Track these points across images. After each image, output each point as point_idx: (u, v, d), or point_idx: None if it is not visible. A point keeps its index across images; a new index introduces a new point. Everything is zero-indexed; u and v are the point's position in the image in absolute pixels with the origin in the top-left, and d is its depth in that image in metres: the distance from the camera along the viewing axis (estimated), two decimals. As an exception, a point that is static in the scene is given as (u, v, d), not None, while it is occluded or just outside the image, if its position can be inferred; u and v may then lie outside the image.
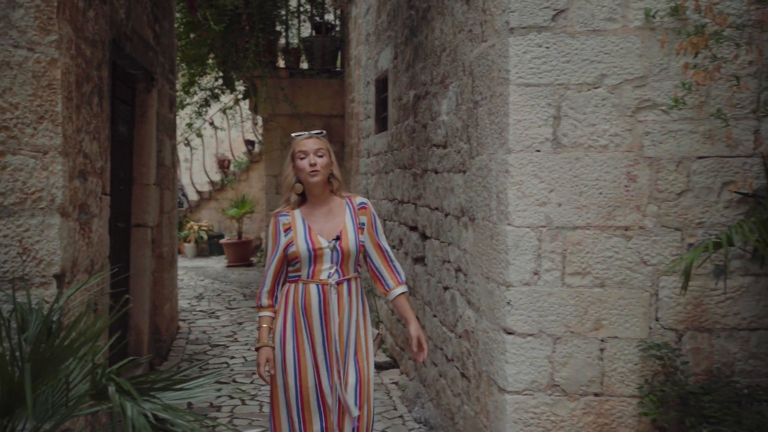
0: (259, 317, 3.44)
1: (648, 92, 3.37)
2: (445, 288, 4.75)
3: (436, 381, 5.01)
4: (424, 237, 5.43)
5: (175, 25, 8.48)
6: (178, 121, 8.66)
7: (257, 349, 3.37)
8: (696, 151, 3.39)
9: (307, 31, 12.44)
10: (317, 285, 3.33)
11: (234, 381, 6.17)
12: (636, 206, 3.40)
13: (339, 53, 12.00)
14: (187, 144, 14.44)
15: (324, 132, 3.52)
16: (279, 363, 3.36)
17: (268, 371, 3.34)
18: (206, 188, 15.35)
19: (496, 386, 3.58)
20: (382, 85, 7.65)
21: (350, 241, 3.36)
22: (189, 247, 14.28)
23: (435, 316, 5.08)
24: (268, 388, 5.90)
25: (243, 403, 5.64)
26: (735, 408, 3.18)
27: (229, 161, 15.32)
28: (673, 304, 3.41)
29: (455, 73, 4.41)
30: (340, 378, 3.32)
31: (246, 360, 6.87)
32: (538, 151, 3.40)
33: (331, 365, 3.32)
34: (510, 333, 3.44)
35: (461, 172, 4.29)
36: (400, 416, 5.36)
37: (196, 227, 14.33)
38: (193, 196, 15.27)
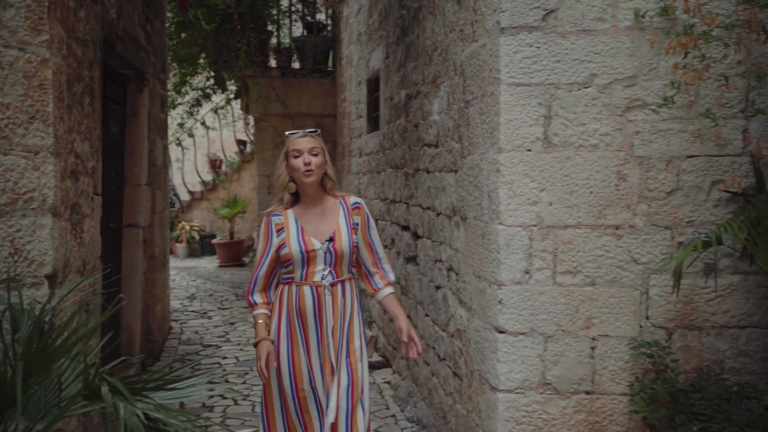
0: (254, 315, 3.37)
1: (638, 92, 3.39)
2: (437, 287, 4.77)
3: (429, 380, 5.03)
4: (416, 236, 5.44)
5: (167, 25, 8.47)
6: (169, 121, 8.67)
7: (256, 345, 3.28)
8: (685, 151, 3.41)
9: (298, 30, 12.44)
10: (311, 287, 3.28)
11: (226, 381, 6.17)
12: (626, 205, 3.42)
13: (330, 53, 12.01)
14: (179, 144, 14.41)
15: (318, 130, 3.46)
16: (273, 368, 3.29)
17: (273, 366, 3.25)
18: (198, 188, 15.32)
19: (488, 385, 3.59)
20: (373, 84, 7.66)
21: (344, 242, 3.31)
22: (181, 248, 14.25)
23: (427, 315, 5.10)
24: (260, 388, 5.92)
25: (235, 403, 5.64)
26: (725, 405, 3.21)
27: (221, 161, 15.30)
28: (663, 302, 3.44)
29: (446, 73, 4.43)
30: (332, 380, 3.27)
31: (238, 360, 6.87)
32: (529, 150, 3.41)
33: (324, 367, 3.28)
34: (502, 332, 3.45)
35: (453, 171, 4.30)
36: (393, 415, 5.37)
37: (187, 227, 14.30)
38: (184, 197, 15.24)
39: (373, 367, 6.47)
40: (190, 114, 11.72)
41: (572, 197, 3.42)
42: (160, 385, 2.59)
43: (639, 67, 3.39)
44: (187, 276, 11.93)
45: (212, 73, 11.44)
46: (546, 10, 3.39)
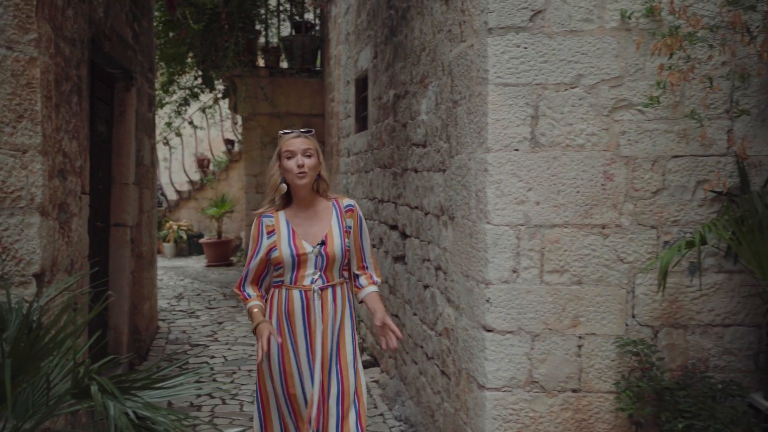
0: (249, 307, 3.27)
1: (624, 92, 3.42)
2: (425, 286, 4.79)
3: (417, 379, 5.05)
4: (404, 236, 5.46)
5: (154, 24, 8.44)
6: (157, 120, 8.63)
7: (255, 330, 3.16)
8: (671, 151, 3.44)
9: (286, 30, 12.43)
10: (300, 291, 3.21)
11: (214, 380, 6.17)
12: (613, 205, 3.45)
13: (319, 52, 12.00)
14: (166, 143, 14.37)
15: (312, 130, 3.39)
16: (266, 370, 3.26)
17: (278, 341, 3.12)
18: (185, 188, 15.28)
19: (476, 383, 3.61)
20: (362, 84, 7.68)
21: (336, 246, 3.24)
22: (168, 247, 14.21)
23: (415, 314, 5.11)
24: (248, 387, 5.94)
25: (223, 402, 5.64)
26: (709, 403, 3.24)
27: (209, 160, 15.26)
28: (649, 301, 3.47)
29: (435, 73, 4.45)
30: (322, 386, 3.21)
31: (226, 359, 6.87)
32: (517, 150, 3.44)
33: (314, 372, 3.20)
34: (489, 330, 3.47)
35: (441, 171, 4.32)
36: (381, 414, 5.39)
37: (175, 227, 14.26)
38: (172, 196, 15.19)
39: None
40: (178, 113, 11.70)
41: (559, 197, 3.44)
42: (148, 384, 2.59)
43: (625, 68, 3.42)
44: (174, 275, 11.90)
45: (200, 73, 11.41)
46: (533, 10, 3.41)
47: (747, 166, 3.41)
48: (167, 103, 11.60)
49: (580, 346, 3.47)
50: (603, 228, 3.46)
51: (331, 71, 10.41)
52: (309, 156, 3.25)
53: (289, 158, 3.25)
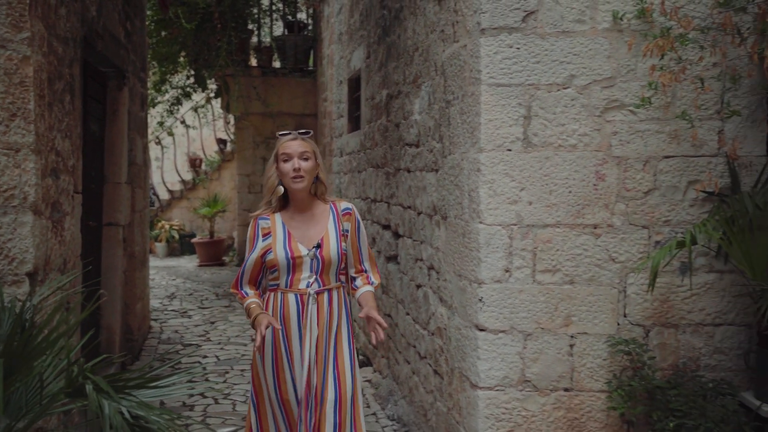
0: (246, 304, 3.23)
1: (616, 93, 3.44)
2: (418, 286, 4.80)
3: (409, 378, 5.06)
4: (397, 235, 5.47)
5: (146, 23, 8.43)
6: (149, 119, 8.64)
7: (253, 324, 3.11)
8: (662, 151, 3.46)
9: (279, 29, 12.43)
10: (296, 295, 3.17)
11: (207, 380, 6.16)
12: (604, 205, 3.47)
13: (311, 52, 12.01)
14: (158, 143, 14.34)
15: (311, 132, 3.33)
16: (260, 374, 3.23)
17: (278, 328, 3.08)
18: (178, 187, 15.26)
19: (469, 382, 3.62)
20: (355, 84, 7.68)
21: (332, 249, 3.20)
22: (160, 247, 14.18)
23: (408, 313, 5.12)
24: (241, 386, 5.95)
25: (216, 402, 5.63)
26: (700, 401, 3.26)
27: (201, 160, 15.24)
28: (640, 300, 3.49)
29: (427, 73, 4.46)
30: (317, 393, 3.16)
31: (219, 359, 6.86)
32: (509, 150, 3.45)
33: (309, 379, 3.15)
34: (482, 330, 3.49)
35: (434, 170, 4.33)
36: (374, 414, 5.40)
37: (167, 226, 14.24)
38: (164, 195, 15.17)
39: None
40: (170, 113, 11.68)
41: (551, 197, 3.46)
42: (142, 383, 2.60)
43: (617, 69, 3.44)
44: (166, 275, 11.88)
45: (192, 72, 11.41)
46: (526, 11, 3.43)
47: (737, 166, 3.44)
48: (159, 102, 11.59)
49: (572, 346, 3.49)
50: (595, 228, 3.47)
51: (324, 71, 10.42)
52: (306, 159, 3.20)
53: (285, 161, 3.20)
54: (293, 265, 3.17)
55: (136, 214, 6.87)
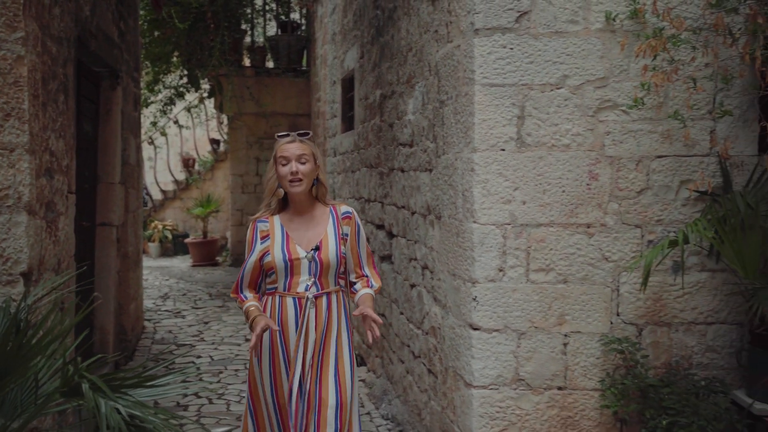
0: (246, 307, 3.19)
1: (609, 93, 3.46)
2: (412, 285, 4.81)
3: (403, 378, 5.07)
4: (391, 235, 5.48)
5: (140, 23, 8.42)
6: (142, 119, 8.62)
7: (251, 326, 3.09)
8: (655, 151, 3.48)
9: (272, 29, 12.42)
10: (294, 298, 3.13)
11: (201, 380, 6.16)
12: (597, 204, 3.49)
13: (305, 52, 12.01)
14: (151, 143, 14.32)
15: (310, 133, 3.30)
16: (258, 380, 3.20)
17: (275, 329, 3.07)
18: (171, 187, 15.22)
19: (463, 381, 3.64)
20: (348, 84, 7.69)
21: (330, 252, 3.16)
22: (153, 247, 14.16)
23: (402, 313, 5.14)
24: (235, 386, 5.95)
25: (210, 402, 5.63)
26: (693, 399, 3.28)
27: (194, 160, 15.21)
28: (633, 299, 3.51)
29: (421, 73, 4.47)
30: (310, 397, 3.12)
31: (212, 359, 6.86)
32: (503, 150, 3.47)
33: (303, 382, 3.12)
34: (476, 329, 3.50)
35: (427, 170, 4.35)
36: (368, 413, 5.41)
37: (160, 227, 14.22)
38: (157, 196, 15.14)
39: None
40: (163, 112, 11.66)
41: (545, 196, 3.48)
42: (138, 382, 2.60)
43: (610, 69, 3.46)
44: (159, 275, 11.86)
45: (185, 72, 11.39)
46: (519, 11, 3.44)
47: (729, 166, 3.46)
48: (152, 102, 11.57)
49: (565, 344, 3.51)
50: (588, 227, 3.49)
51: (318, 71, 10.42)
52: (304, 162, 3.16)
53: (283, 165, 3.16)
54: (291, 267, 3.13)
55: (129, 214, 6.86)
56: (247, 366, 6.42)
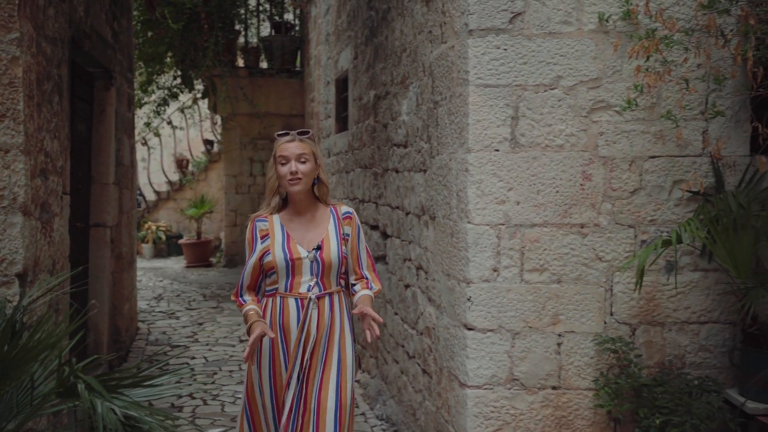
0: (245, 311, 3.13)
1: (602, 93, 3.48)
2: (407, 286, 4.82)
3: (398, 378, 5.08)
4: (385, 236, 5.49)
5: (133, 23, 8.41)
6: (135, 120, 8.60)
7: (248, 331, 3.04)
8: (648, 151, 3.51)
9: (266, 30, 12.43)
10: (296, 299, 3.07)
11: (195, 381, 6.16)
12: (591, 204, 3.50)
13: (299, 53, 12.02)
14: (145, 143, 14.29)
15: (310, 132, 3.23)
16: (256, 383, 3.14)
17: (271, 336, 3.00)
18: (164, 188, 15.20)
19: (457, 381, 3.65)
20: (342, 84, 7.70)
21: (332, 251, 3.11)
22: (147, 248, 14.13)
23: (396, 313, 5.15)
24: (229, 387, 5.95)
25: (204, 403, 5.63)
26: (686, 398, 3.30)
27: (188, 161, 15.19)
28: (626, 299, 3.53)
29: (415, 74, 4.48)
30: (308, 399, 3.06)
31: (207, 360, 6.86)
32: (497, 150, 3.48)
33: (304, 386, 3.07)
34: (470, 329, 3.52)
35: (422, 171, 4.36)
36: (362, 413, 5.41)
37: (154, 227, 14.19)
38: (150, 196, 15.11)
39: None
40: (157, 113, 11.65)
41: (539, 196, 3.49)
42: (134, 383, 2.61)
43: (603, 70, 3.48)
44: (153, 276, 11.84)
45: (179, 72, 11.38)
46: (513, 12, 3.46)
47: (721, 166, 3.48)
48: (146, 102, 11.56)
49: (559, 344, 3.53)
50: (582, 227, 3.51)
51: (311, 71, 10.42)
52: (304, 162, 3.11)
53: (282, 164, 3.11)
54: (292, 267, 3.08)
55: (123, 215, 6.85)
56: (242, 367, 6.50)
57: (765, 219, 3.23)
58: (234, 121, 12.08)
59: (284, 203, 3.23)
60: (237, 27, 11.87)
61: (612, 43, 3.44)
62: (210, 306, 9.46)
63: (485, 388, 3.51)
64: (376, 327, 3.00)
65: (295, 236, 3.14)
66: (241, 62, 12.21)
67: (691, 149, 3.51)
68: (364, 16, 6.20)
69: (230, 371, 6.47)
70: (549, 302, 3.51)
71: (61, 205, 4.03)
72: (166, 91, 11.56)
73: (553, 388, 3.53)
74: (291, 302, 3.08)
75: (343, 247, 3.17)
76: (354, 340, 3.24)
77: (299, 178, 3.09)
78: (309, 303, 3.07)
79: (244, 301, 3.18)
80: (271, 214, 3.20)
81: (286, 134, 3.18)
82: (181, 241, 13.65)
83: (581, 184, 3.49)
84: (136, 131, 9.22)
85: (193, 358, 6.95)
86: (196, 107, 13.46)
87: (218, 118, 13.73)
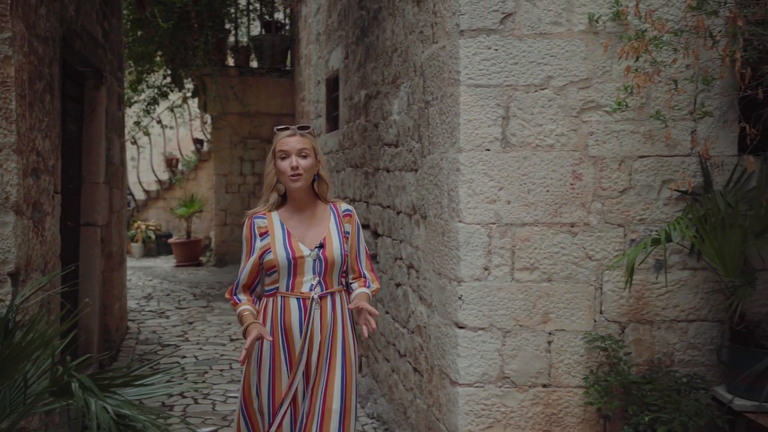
0: (239, 311, 3.04)
1: (592, 94, 3.51)
2: (398, 285, 4.84)
3: (389, 376, 5.10)
4: (376, 235, 5.51)
5: (123, 22, 8.39)
6: (125, 119, 8.59)
7: (245, 333, 2.94)
8: (637, 151, 3.54)
9: (256, 29, 12.42)
10: (298, 299, 2.97)
11: (186, 380, 6.16)
12: (581, 203, 3.53)
13: (289, 52, 12.01)
14: (134, 142, 14.25)
15: (310, 127, 3.14)
16: (254, 385, 3.03)
17: (268, 340, 2.92)
18: (154, 187, 15.16)
19: (448, 379, 3.67)
20: (333, 84, 7.71)
21: (335, 249, 3.02)
22: (136, 247, 14.09)
23: (387, 312, 5.17)
24: (220, 386, 5.95)
25: (195, 402, 5.63)
26: (674, 396, 3.34)
27: (178, 160, 15.15)
28: (616, 297, 3.56)
29: (406, 74, 4.50)
30: (313, 402, 3.00)
31: (197, 359, 6.85)
32: (488, 150, 3.50)
33: (307, 389, 3.00)
34: (461, 327, 3.54)
35: (413, 170, 4.38)
36: (353, 412, 5.42)
37: (143, 227, 14.14)
38: (140, 195, 15.07)
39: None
40: (147, 112, 11.62)
41: (530, 196, 3.52)
42: (126, 382, 2.61)
43: (593, 70, 3.51)
44: (143, 276, 11.82)
45: (169, 71, 11.35)
46: (504, 13, 3.48)
47: (710, 166, 3.52)
48: (135, 101, 11.53)
49: (549, 342, 3.55)
50: (572, 226, 3.54)
51: (302, 71, 10.43)
52: (304, 156, 3.02)
53: (282, 159, 3.02)
54: (294, 266, 2.98)
55: (113, 214, 6.84)
56: (232, 366, 6.50)
57: (752, 218, 3.27)
58: (224, 120, 12.06)
59: (282, 200, 3.14)
60: (227, 26, 11.86)
61: (602, 43, 3.47)
62: (200, 305, 9.45)
63: (476, 386, 3.53)
64: (373, 321, 2.89)
65: (295, 234, 3.04)
66: (231, 61, 12.20)
67: (680, 149, 3.54)
68: (354, 15, 6.21)
69: (221, 370, 6.47)
70: (539, 301, 3.54)
71: (53, 204, 4.03)
72: (155, 90, 11.54)
73: (544, 385, 3.56)
74: (293, 302, 2.98)
75: (345, 245, 3.08)
76: (357, 341, 3.17)
77: (300, 174, 3.00)
78: (312, 303, 2.98)
79: (239, 300, 3.09)
80: (270, 211, 3.10)
81: (286, 129, 3.10)
82: (170, 241, 13.62)
83: (571, 184, 3.52)
84: (126, 130, 9.21)
85: (184, 357, 6.95)
86: (186, 106, 13.44)
87: (208, 117, 13.71)
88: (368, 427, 5.11)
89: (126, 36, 9.96)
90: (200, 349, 7.26)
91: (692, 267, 3.57)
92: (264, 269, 3.04)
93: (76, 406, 2.35)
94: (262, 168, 13.56)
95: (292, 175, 3.00)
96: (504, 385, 3.54)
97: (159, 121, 13.78)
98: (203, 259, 13.56)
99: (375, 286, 3.20)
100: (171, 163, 15.09)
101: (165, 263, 13.41)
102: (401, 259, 4.73)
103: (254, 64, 12.27)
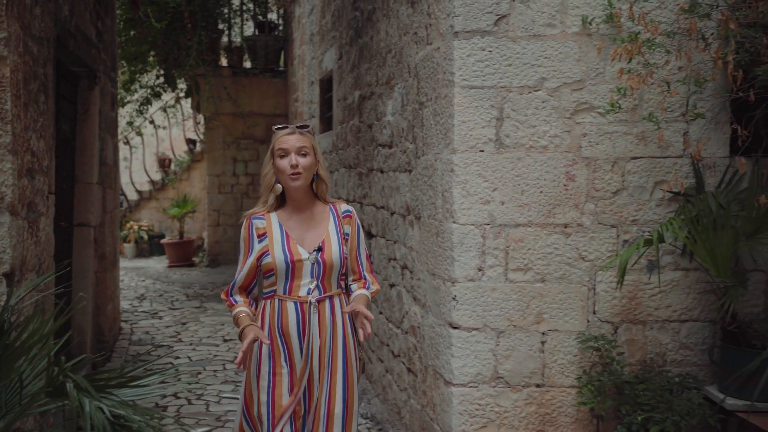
0: (235, 313, 2.99)
1: (585, 95, 3.53)
2: (391, 285, 4.85)
3: (383, 377, 5.11)
4: (370, 235, 5.52)
5: (116, 22, 8.38)
6: (118, 119, 8.57)
7: (240, 336, 2.89)
8: (630, 152, 3.56)
9: (250, 29, 12.41)
10: (295, 303, 2.93)
11: (179, 381, 6.15)
12: (575, 204, 3.55)
13: (282, 53, 12.01)
14: (127, 143, 14.21)
15: (310, 126, 3.08)
16: (254, 391, 2.98)
17: (266, 343, 2.87)
18: (146, 187, 15.13)
19: (442, 379, 3.69)
20: (326, 85, 7.72)
21: (334, 252, 2.96)
22: (129, 248, 14.06)
23: (381, 313, 5.18)
24: (214, 386, 5.95)
25: (189, 402, 5.63)
26: (667, 396, 3.36)
27: (170, 160, 15.13)
28: (609, 297, 3.58)
29: (401, 75, 4.51)
30: (318, 406, 2.96)
31: (191, 360, 6.85)
32: (482, 151, 3.52)
33: (310, 394, 2.96)
34: (455, 327, 3.55)
35: (407, 171, 4.39)
36: (347, 412, 5.43)
37: (136, 227, 14.12)
38: (132, 196, 15.03)
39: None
40: (140, 112, 11.60)
41: (523, 197, 3.54)
42: (121, 382, 2.62)
43: (586, 72, 3.53)
44: (135, 276, 11.79)
45: (162, 72, 11.34)
46: (498, 15, 3.50)
47: (702, 167, 3.55)
48: (128, 102, 11.51)
49: (543, 342, 3.57)
50: (565, 227, 3.56)
51: (295, 71, 10.43)
52: (304, 155, 2.97)
53: (282, 157, 2.96)
54: (293, 269, 2.93)
55: (106, 214, 6.83)
56: (226, 366, 6.49)
57: (744, 219, 3.30)
58: (217, 120, 12.05)
59: (280, 201, 3.08)
60: (220, 26, 11.86)
61: (595, 45, 3.49)
62: (193, 306, 9.44)
63: (470, 386, 3.55)
64: (368, 325, 2.82)
65: (294, 236, 2.99)
66: (224, 62, 12.19)
67: (672, 150, 3.56)
68: (348, 16, 6.22)
69: (214, 371, 6.47)
70: (533, 301, 3.56)
71: (47, 204, 4.03)
72: (148, 90, 11.52)
73: (537, 385, 3.58)
74: (290, 306, 2.93)
75: (344, 248, 3.03)
76: (357, 343, 3.11)
77: (299, 173, 2.94)
78: (309, 307, 2.94)
79: (236, 301, 3.04)
80: (268, 212, 3.04)
81: (285, 127, 3.04)
82: (163, 241, 13.60)
83: (565, 185, 3.54)
84: (119, 130, 9.19)
85: (177, 357, 6.94)
86: (178, 106, 13.43)
87: (201, 118, 13.69)
88: (362, 427, 5.12)
89: (119, 36, 9.94)
90: (193, 349, 7.25)
91: (684, 267, 3.59)
92: (261, 272, 3.00)
93: (70, 406, 2.35)
94: (255, 168, 13.52)
95: (292, 174, 2.95)
96: (498, 385, 3.56)
97: (152, 122, 13.74)
98: (196, 259, 13.54)
99: (375, 287, 3.15)
100: (164, 163, 15.06)
101: (158, 264, 13.38)
102: (395, 259, 4.74)
103: (247, 64, 12.27)
